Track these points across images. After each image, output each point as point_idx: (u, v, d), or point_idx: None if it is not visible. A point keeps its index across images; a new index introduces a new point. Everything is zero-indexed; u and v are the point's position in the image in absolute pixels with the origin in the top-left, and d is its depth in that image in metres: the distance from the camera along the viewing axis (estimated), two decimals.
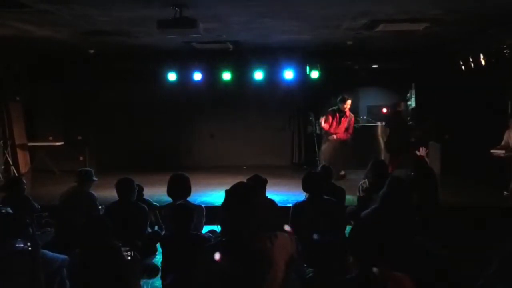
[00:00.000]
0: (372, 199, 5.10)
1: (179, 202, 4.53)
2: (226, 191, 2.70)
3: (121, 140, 11.98)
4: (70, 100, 11.78)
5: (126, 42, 9.02)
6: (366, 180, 5.76)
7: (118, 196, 5.31)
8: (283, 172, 10.28)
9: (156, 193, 7.40)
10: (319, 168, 6.17)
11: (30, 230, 3.42)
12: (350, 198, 6.48)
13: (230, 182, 2.83)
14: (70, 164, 10.23)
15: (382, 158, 10.61)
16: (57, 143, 11.08)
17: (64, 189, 6.19)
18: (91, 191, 5.94)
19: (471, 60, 9.48)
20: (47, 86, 11.61)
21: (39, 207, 6.25)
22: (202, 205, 5.24)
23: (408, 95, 12.06)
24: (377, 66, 11.34)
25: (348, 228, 5.09)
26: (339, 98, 9.72)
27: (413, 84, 11.82)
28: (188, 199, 5.20)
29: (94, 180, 6.09)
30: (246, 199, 2.63)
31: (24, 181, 6.13)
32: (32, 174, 10.97)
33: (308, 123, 11.74)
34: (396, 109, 10.66)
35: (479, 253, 3.97)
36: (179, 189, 5.21)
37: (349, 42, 9.22)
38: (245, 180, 3.92)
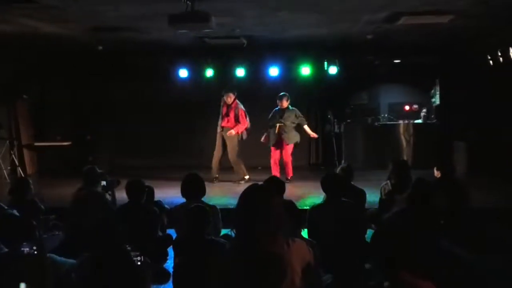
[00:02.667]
0: (394, 201, 5.06)
1: (194, 204, 4.51)
2: (241, 194, 2.68)
3: (132, 140, 12.06)
4: (79, 98, 11.89)
5: (136, 38, 9.07)
6: (388, 181, 5.72)
7: (128, 198, 5.32)
8: (300, 173, 10.23)
9: (168, 194, 7.42)
10: (338, 169, 6.12)
11: (37, 233, 3.44)
12: (371, 200, 6.44)
13: (244, 183, 2.80)
14: (79, 165, 10.22)
15: (405, 158, 10.58)
16: (65, 143, 11.17)
17: (73, 190, 6.25)
18: (97, 191, 5.98)
19: (499, 54, 9.36)
20: (56, 84, 11.73)
21: (46, 209, 6.26)
22: (216, 206, 5.24)
23: (432, 91, 11.95)
24: (399, 61, 11.27)
25: (369, 232, 5.10)
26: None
27: (437, 80, 11.71)
28: (203, 199, 5.23)
29: (101, 176, 6.10)
30: (261, 201, 2.60)
31: (31, 182, 6.15)
32: (39, 175, 11.06)
33: (326, 121, 11.71)
34: None
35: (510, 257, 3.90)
36: (194, 189, 5.23)
37: (369, 36, 9.17)
38: (261, 182, 3.89)
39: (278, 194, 4.89)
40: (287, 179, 9.39)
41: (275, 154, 9.70)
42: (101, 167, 8.21)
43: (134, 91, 11.88)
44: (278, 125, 9.62)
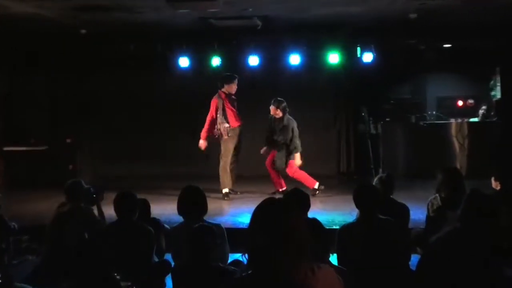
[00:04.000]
0: (445, 219, 5.03)
1: (197, 224, 4.52)
2: (254, 210, 2.68)
3: (122, 143, 12.15)
4: (57, 93, 11.99)
5: (127, 19, 9.16)
6: (437, 195, 5.70)
7: (117, 215, 5.35)
8: (328, 184, 10.24)
9: (166, 210, 7.49)
10: (375, 178, 6.11)
11: (5, 258, 3.45)
12: (416, 218, 6.41)
13: (259, 197, 2.83)
14: (57, 174, 10.33)
15: (457, 165, 10.53)
16: (40, 147, 11.26)
17: (49, 206, 6.30)
18: (84, 205, 6.06)
19: None
20: (29, 76, 11.83)
21: (17, 228, 6.31)
22: (221, 226, 5.26)
23: (492, 82, 11.92)
24: (449, 45, 11.25)
25: (414, 258, 5.08)
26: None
27: (498, 69, 11.68)
28: (205, 218, 5.24)
29: (87, 193, 6.16)
30: (279, 220, 2.60)
31: None
32: (8, 187, 10.98)
33: (359, 120, 11.73)
34: None
35: None
36: (193, 206, 5.25)
37: (413, 15, 9.18)
38: (279, 195, 3.90)
39: (301, 210, 4.97)
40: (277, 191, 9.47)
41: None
42: (84, 177, 8.24)
43: (124, 84, 11.97)
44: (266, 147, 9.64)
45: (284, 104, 9.50)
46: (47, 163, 11.11)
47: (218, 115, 9.61)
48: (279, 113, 9.50)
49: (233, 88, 9.71)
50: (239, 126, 9.71)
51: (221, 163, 9.61)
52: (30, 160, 11.25)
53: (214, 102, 9.64)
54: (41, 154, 11.22)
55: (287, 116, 9.54)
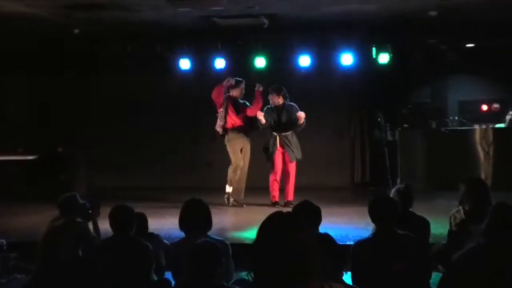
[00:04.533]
0: (469, 234, 5.01)
1: (200, 240, 4.52)
2: (260, 225, 2.65)
3: (118, 152, 12.21)
4: (48, 98, 12.04)
5: (125, 18, 9.22)
6: (460, 207, 5.68)
7: (113, 230, 5.35)
8: (341, 195, 10.28)
9: (165, 224, 7.55)
10: (392, 190, 6.09)
11: None
12: (438, 233, 6.40)
13: (266, 210, 2.83)
14: (48, 186, 10.38)
15: (482, 175, 10.50)
16: (29, 157, 11.23)
17: (41, 220, 6.33)
18: (79, 220, 6.00)
19: None
20: (17, 79, 11.95)
21: (4, 245, 6.35)
22: (226, 241, 5.26)
23: None
24: (472, 45, 11.26)
25: (435, 276, 5.04)
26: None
27: None
28: (208, 234, 5.24)
29: (82, 208, 6.19)
30: (288, 235, 2.58)
31: None
32: None
33: (375, 126, 11.76)
34: None
35: None
36: (196, 220, 5.24)
37: (433, 13, 9.18)
38: (288, 209, 3.90)
39: (312, 224, 4.94)
40: (287, 202, 9.64)
41: (277, 170, 9.84)
42: (78, 188, 8.23)
43: (121, 88, 12.04)
44: (276, 135, 9.72)
45: (285, 90, 9.72)
46: (36, 174, 11.10)
47: (219, 111, 9.86)
48: (281, 100, 9.68)
49: (239, 92, 9.85)
50: (240, 132, 9.84)
51: (231, 163, 9.86)
52: (18, 170, 11.23)
53: (221, 96, 9.83)
54: (30, 164, 11.21)
55: (287, 102, 9.77)
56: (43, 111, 12.17)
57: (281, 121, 9.71)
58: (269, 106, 9.79)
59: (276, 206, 9.48)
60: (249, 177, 10.05)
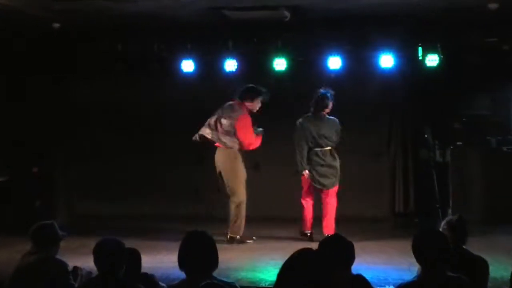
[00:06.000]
0: None
1: (204, 282, 4.55)
2: (283, 264, 2.72)
3: (106, 172, 12.21)
4: (21, 106, 11.95)
5: (115, 10, 9.27)
6: None
7: (98, 269, 5.32)
8: (378, 228, 10.29)
9: (162, 262, 7.60)
10: (442, 222, 6.10)
11: None
12: (498, 276, 6.37)
13: (288, 248, 2.85)
14: (20, 213, 10.48)
15: None
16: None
17: (12, 255, 6.38)
18: (58, 257, 6.05)
19: None
20: None
21: None
22: (236, 285, 5.25)
23: None
24: None
25: None
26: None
27: None
28: (214, 274, 5.17)
29: (60, 239, 6.19)
30: (315, 277, 2.64)
31: None
32: None
33: (421, 143, 11.68)
34: None
35: None
36: (199, 258, 5.24)
37: (493, 5, 9.20)
38: (314, 246, 3.94)
39: (343, 264, 4.90)
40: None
41: (308, 195, 9.97)
42: (57, 216, 8.20)
43: (110, 94, 12.08)
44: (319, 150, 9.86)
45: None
46: (7, 199, 11.15)
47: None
48: (329, 109, 9.90)
49: (256, 105, 9.99)
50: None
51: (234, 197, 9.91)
52: None
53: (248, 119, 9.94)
54: (1, 187, 11.24)
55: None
56: (16, 123, 11.98)
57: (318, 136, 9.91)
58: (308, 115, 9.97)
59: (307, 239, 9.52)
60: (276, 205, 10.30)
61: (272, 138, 10.44)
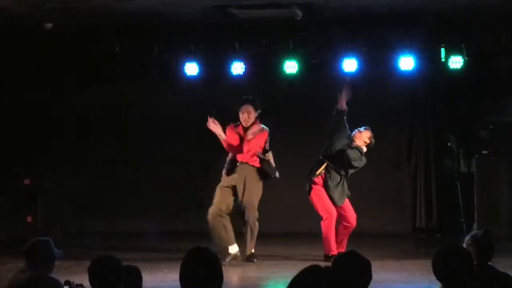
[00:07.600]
0: None
1: None
2: (290, 282, 2.72)
3: (103, 185, 12.23)
4: (11, 113, 11.86)
5: (112, 9, 9.37)
6: None
7: None
8: (399, 245, 10.34)
9: (164, 281, 7.75)
10: (467, 238, 5.83)
11: None
12: None
13: (298, 264, 2.58)
14: (11, 229, 10.71)
15: None
16: None
17: (3, 274, 6.51)
18: (52, 276, 5.94)
19: None
20: None
21: None
22: None
23: None
24: None
25: None
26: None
27: None
28: None
29: (55, 257, 6.06)
30: None
31: None
32: None
33: (444, 152, 11.74)
34: None
35: None
36: (202, 276, 4.88)
37: None
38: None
39: (358, 283, 4.55)
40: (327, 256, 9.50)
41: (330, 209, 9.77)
42: (49, 232, 8.02)
43: (107, 100, 12.11)
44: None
45: None
46: None
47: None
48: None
49: (241, 117, 9.85)
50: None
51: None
52: None
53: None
54: None
55: None
56: (4, 131, 11.92)
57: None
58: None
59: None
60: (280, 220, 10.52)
61: (281, 145, 10.41)
